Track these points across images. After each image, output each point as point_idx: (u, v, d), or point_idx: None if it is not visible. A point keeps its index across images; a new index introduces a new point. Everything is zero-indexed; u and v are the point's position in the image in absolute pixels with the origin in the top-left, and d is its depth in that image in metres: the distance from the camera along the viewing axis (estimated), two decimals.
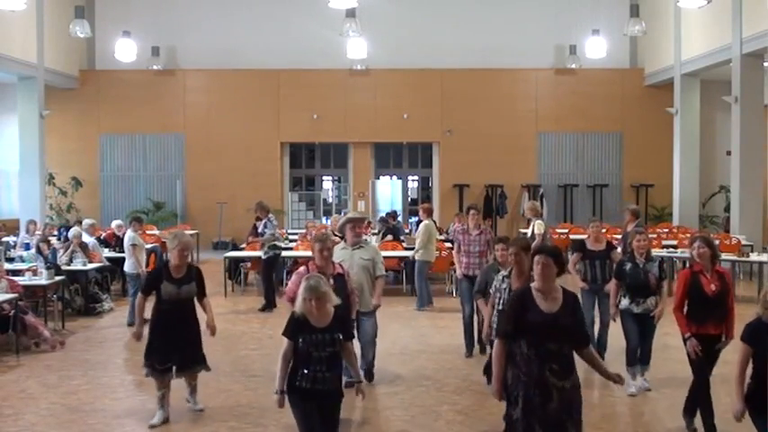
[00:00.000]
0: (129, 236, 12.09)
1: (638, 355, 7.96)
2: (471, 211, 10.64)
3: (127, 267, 12.11)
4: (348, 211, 22.51)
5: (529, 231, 12.92)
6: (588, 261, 9.26)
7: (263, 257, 13.52)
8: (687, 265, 7.18)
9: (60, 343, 10.40)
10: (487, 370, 7.80)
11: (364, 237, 9.15)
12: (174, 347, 7.12)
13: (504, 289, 6.86)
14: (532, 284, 5.03)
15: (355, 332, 7.31)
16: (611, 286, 8.16)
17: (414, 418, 7.35)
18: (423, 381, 8.63)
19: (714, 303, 6.57)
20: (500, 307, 6.82)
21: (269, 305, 13.09)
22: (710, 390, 6.64)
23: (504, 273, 7.05)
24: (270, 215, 13.69)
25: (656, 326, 7.96)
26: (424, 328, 11.64)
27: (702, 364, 6.58)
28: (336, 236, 9.30)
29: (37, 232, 15.88)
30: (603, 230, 10.77)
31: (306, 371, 5.20)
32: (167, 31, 22.82)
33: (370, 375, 8.39)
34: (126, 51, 20.43)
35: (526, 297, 4.99)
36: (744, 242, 15.84)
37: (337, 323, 5.37)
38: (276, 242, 13.69)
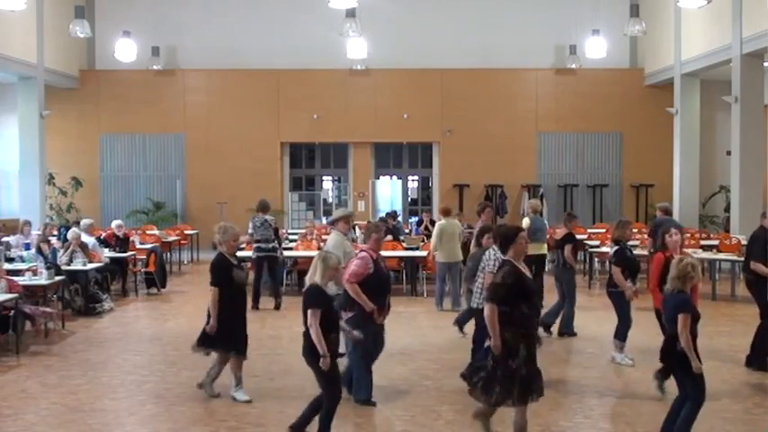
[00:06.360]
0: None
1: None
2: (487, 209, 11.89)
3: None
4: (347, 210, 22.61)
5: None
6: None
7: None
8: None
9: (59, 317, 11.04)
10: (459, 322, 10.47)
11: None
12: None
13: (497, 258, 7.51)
14: (513, 259, 6.04)
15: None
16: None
17: (414, 418, 7.35)
18: (423, 381, 8.64)
19: None
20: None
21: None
22: None
23: (493, 250, 7.88)
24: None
25: None
26: (424, 328, 11.65)
27: None
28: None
29: (36, 231, 15.84)
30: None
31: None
32: (167, 31, 22.80)
33: None
34: (126, 51, 20.39)
35: (517, 268, 6.00)
36: (744, 242, 15.80)
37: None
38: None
